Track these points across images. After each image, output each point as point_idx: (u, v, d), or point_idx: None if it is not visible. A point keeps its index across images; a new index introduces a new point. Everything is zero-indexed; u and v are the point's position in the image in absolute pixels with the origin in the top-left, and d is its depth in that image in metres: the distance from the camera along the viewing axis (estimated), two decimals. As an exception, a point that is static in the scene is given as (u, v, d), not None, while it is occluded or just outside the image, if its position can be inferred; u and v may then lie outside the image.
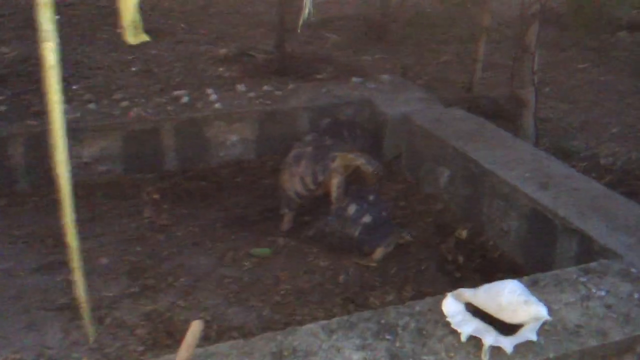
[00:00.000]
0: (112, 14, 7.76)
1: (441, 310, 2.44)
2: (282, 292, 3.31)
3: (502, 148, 3.89)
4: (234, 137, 4.57)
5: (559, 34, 7.35)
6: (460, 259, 3.62)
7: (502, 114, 5.04)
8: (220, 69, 6.12)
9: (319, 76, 5.42)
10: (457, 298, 2.47)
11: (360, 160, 3.60)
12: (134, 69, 6.23)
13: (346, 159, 3.64)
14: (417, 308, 2.52)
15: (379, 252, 3.58)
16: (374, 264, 3.56)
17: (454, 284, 3.42)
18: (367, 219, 3.61)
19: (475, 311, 2.42)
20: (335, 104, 4.69)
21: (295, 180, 3.75)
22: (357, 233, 3.60)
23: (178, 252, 3.65)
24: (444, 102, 4.75)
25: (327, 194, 3.72)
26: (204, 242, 3.75)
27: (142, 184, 4.33)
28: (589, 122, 5.44)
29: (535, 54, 4.19)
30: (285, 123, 4.62)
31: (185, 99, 4.62)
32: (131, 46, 6.83)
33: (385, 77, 5.07)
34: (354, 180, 3.72)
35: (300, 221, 3.90)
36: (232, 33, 7.33)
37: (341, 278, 3.45)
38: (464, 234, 3.81)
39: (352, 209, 3.62)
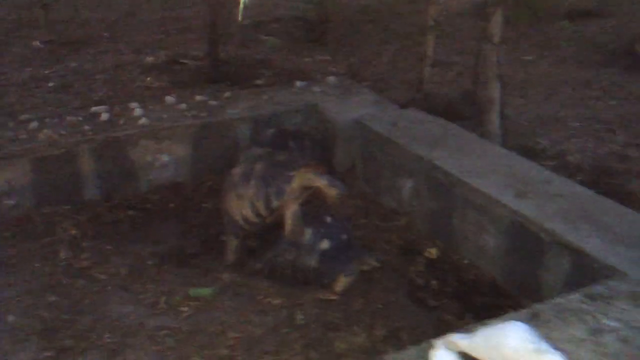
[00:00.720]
0: (26, 25, 7.06)
1: (430, 365, 1.96)
2: (229, 343, 2.76)
3: (471, 153, 3.45)
4: (164, 157, 4.00)
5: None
6: (434, 283, 3.16)
7: (458, 113, 4.61)
8: (148, 79, 5.52)
9: (258, 82, 4.88)
10: (449, 347, 1.99)
11: (322, 182, 3.08)
12: (50, 84, 5.57)
13: (305, 179, 3.12)
14: (399, 363, 2.02)
15: (340, 283, 3.08)
16: (335, 297, 3.06)
17: (431, 315, 2.95)
18: (324, 244, 3.10)
19: (473, 364, 1.94)
20: (279, 112, 4.17)
21: (243, 204, 3.19)
22: (314, 262, 3.08)
23: (102, 300, 3.06)
24: (396, 104, 4.29)
25: (280, 222, 3.18)
26: (133, 285, 3.17)
27: (58, 218, 3.71)
28: (547, 117, 5.06)
29: (501, 46, 3.78)
30: (223, 137, 4.07)
31: (104, 116, 4.02)
32: (49, 59, 6.17)
33: (331, 79, 4.58)
34: (308, 199, 3.20)
35: (247, 250, 3.36)
36: (160, 40, 6.71)
37: (299, 318, 2.92)
38: (434, 253, 3.35)
39: (307, 234, 3.10)
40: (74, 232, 3.60)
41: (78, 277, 3.23)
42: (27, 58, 6.24)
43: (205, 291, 3.09)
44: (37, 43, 6.60)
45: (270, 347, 2.73)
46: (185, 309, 2.99)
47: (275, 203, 3.11)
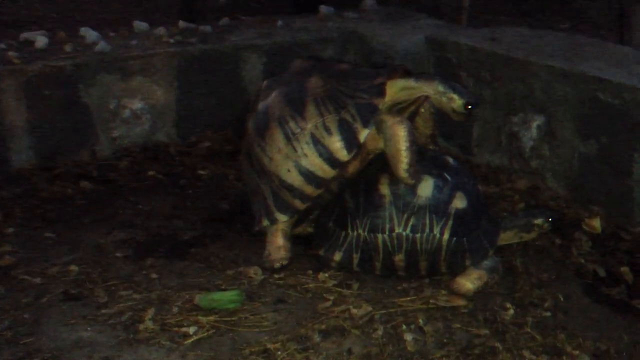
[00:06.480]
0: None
1: None
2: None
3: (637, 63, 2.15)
4: (136, 104, 2.62)
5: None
6: (625, 271, 1.83)
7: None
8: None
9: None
10: None
11: (436, 87, 1.76)
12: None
13: (403, 87, 1.78)
14: None
15: (472, 279, 1.72)
16: (462, 303, 1.70)
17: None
18: (460, 202, 1.73)
19: None
20: (304, 41, 2.82)
21: (302, 150, 1.79)
22: (446, 236, 1.71)
23: (32, 319, 1.65)
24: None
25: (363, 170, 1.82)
26: (91, 291, 1.77)
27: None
28: None
29: None
30: (224, 74, 2.71)
31: (41, 42, 2.61)
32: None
33: (368, 2, 3.24)
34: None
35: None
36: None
37: (410, 339, 1.56)
38: (597, 225, 2.03)
39: (427, 187, 1.73)
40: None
41: (-9, 280, 1.82)
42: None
43: (225, 296, 1.70)
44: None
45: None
46: (191, 329, 1.59)
47: (364, 132, 1.74)
